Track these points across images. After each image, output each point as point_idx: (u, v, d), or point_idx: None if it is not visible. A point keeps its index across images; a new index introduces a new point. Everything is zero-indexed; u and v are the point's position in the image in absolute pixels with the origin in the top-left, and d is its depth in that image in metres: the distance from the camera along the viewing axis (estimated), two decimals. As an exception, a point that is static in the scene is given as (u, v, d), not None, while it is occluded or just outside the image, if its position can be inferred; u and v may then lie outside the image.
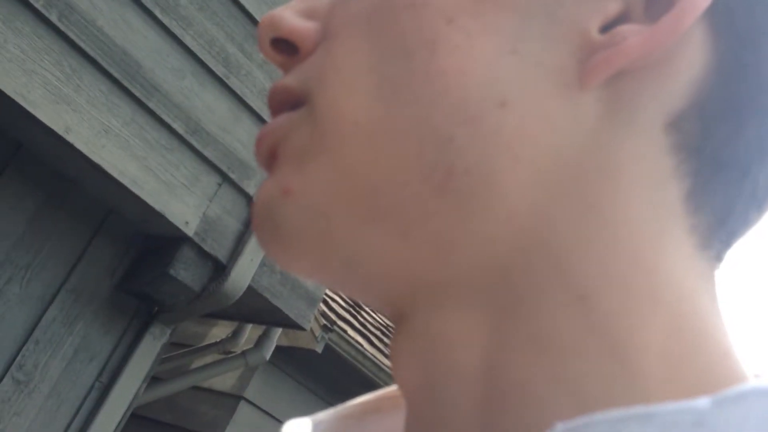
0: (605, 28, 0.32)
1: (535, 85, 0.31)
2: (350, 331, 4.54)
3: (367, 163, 0.33)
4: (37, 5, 2.02)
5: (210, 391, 4.47)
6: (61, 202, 2.38)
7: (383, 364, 4.60)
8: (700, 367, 0.29)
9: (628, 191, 0.31)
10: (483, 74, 0.32)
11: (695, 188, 0.32)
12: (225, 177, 2.45)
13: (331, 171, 0.33)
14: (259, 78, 2.53)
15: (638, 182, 0.31)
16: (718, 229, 0.33)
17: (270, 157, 0.37)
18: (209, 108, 2.41)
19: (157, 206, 2.28)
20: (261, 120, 2.53)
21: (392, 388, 0.42)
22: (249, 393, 4.41)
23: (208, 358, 3.89)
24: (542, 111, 0.31)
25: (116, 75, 2.18)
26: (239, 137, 2.48)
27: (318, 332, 4.20)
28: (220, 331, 4.31)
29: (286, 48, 0.38)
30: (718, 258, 0.34)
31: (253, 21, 2.51)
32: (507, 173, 0.31)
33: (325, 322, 4.24)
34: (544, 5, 0.32)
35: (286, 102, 0.36)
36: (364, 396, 0.44)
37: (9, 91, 1.97)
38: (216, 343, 3.87)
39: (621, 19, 0.32)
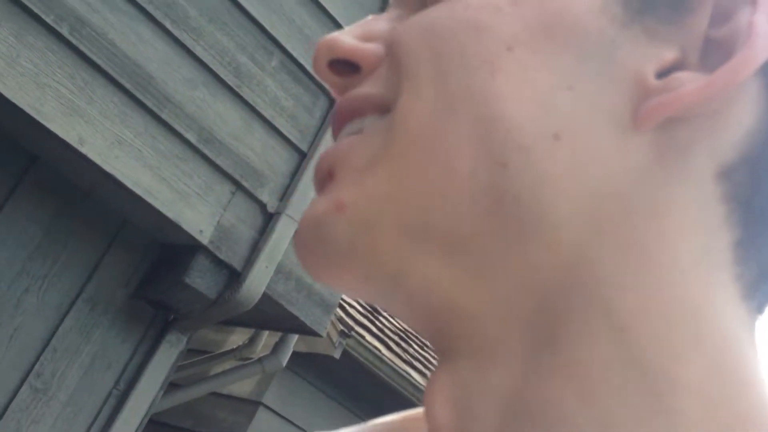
0: (661, 74, 0.33)
1: (589, 121, 0.32)
2: (368, 337, 4.54)
3: (422, 178, 0.33)
4: (48, 20, 2.06)
5: (229, 397, 4.49)
6: (77, 213, 2.41)
7: (401, 369, 4.60)
8: (737, 413, 0.29)
9: (676, 234, 0.32)
10: (539, 105, 0.32)
11: (744, 239, 0.33)
12: (238, 185, 2.47)
13: (387, 183, 0.34)
14: (270, 87, 2.55)
15: (686, 226, 0.32)
16: (762, 282, 0.34)
17: (327, 176, 0.37)
18: (221, 118, 2.43)
19: (172, 215, 2.30)
20: (273, 128, 2.55)
21: (419, 410, 0.43)
22: (268, 399, 4.42)
23: (226, 365, 3.91)
24: (594, 148, 0.32)
25: (128, 87, 2.21)
26: (252, 146, 2.50)
27: (336, 338, 4.21)
28: (238, 338, 4.33)
29: (343, 69, 0.38)
30: (760, 310, 0.34)
31: (263, 31, 2.53)
32: (555, 205, 0.32)
33: (342, 327, 4.25)
34: (601, 47, 0.33)
35: (364, 109, 0.37)
36: (390, 415, 0.45)
37: (23, 105, 2.01)
38: (233, 350, 3.89)
39: (677, 66, 0.33)
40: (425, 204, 0.33)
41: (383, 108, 0.36)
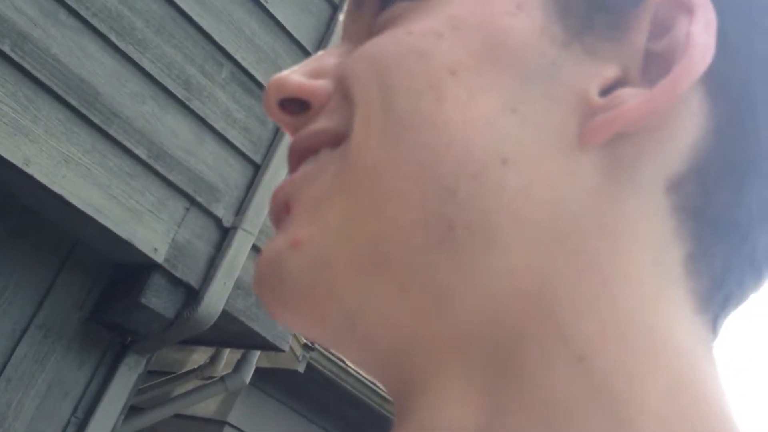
0: (604, 92, 0.33)
1: (535, 144, 0.32)
2: (332, 349, 4.51)
3: (373, 209, 0.33)
4: (-12, 37, 1.99)
5: (193, 418, 4.42)
6: (25, 236, 2.34)
7: (366, 379, 4.57)
8: (699, 429, 0.29)
9: (628, 251, 0.32)
10: (484, 130, 0.32)
11: (696, 251, 0.33)
12: (192, 201, 2.42)
13: (341, 217, 0.34)
14: (221, 98, 2.50)
15: (638, 242, 0.32)
16: (715, 293, 0.34)
17: (283, 210, 0.37)
18: (172, 132, 2.38)
19: (124, 234, 2.24)
20: (225, 141, 2.51)
21: None
22: (233, 417, 4.36)
23: (189, 385, 3.84)
24: (543, 169, 0.32)
25: (74, 103, 2.15)
26: (204, 160, 2.45)
27: (299, 352, 4.17)
28: (199, 356, 4.26)
29: (294, 108, 0.39)
30: (715, 322, 0.34)
31: (212, 42, 2.49)
32: (507, 230, 0.32)
33: (305, 341, 4.21)
34: (543, 68, 0.33)
35: (320, 143, 0.37)
36: None
37: (-37, 126, 1.94)
38: (194, 370, 3.82)
39: (620, 82, 0.33)
40: (379, 236, 0.33)
41: (337, 140, 0.36)
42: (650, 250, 0.32)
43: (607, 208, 0.32)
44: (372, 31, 0.39)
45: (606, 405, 0.29)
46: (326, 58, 0.40)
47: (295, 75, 0.38)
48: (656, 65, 0.33)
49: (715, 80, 0.34)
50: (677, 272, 0.32)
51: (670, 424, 0.29)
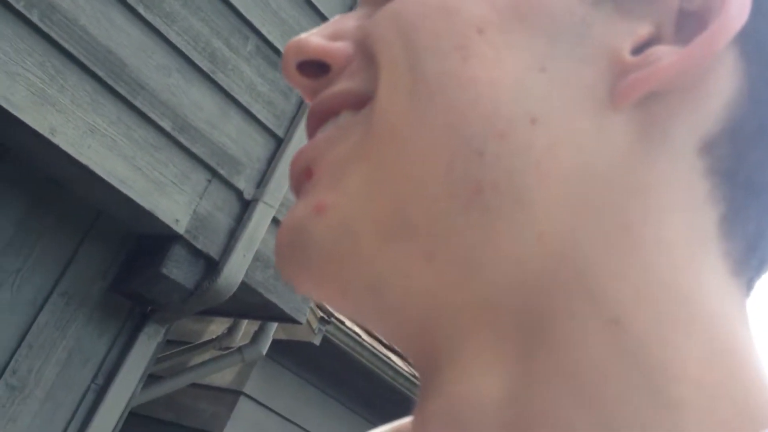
0: (637, 50, 0.32)
1: (564, 103, 0.31)
2: (348, 322, 4.53)
3: (399, 174, 0.32)
4: (18, 6, 1.99)
5: (209, 387, 4.46)
6: (50, 205, 2.36)
7: (382, 353, 4.60)
8: (737, 398, 0.28)
9: (661, 213, 0.31)
10: (512, 89, 0.32)
11: (729, 213, 0.32)
12: (214, 173, 2.43)
13: (365, 182, 0.33)
14: (246, 72, 2.50)
15: (671, 205, 0.31)
16: (750, 256, 0.33)
17: (304, 174, 0.36)
18: (196, 104, 2.38)
19: (147, 205, 2.26)
20: (249, 115, 2.51)
21: (407, 420, 0.41)
22: (248, 388, 4.40)
23: (206, 355, 3.88)
24: (572, 129, 0.31)
25: (101, 74, 2.16)
26: (228, 133, 2.46)
27: (315, 324, 4.19)
28: (217, 327, 4.30)
29: (313, 71, 0.38)
30: (749, 285, 0.34)
31: (239, 15, 2.48)
32: (536, 191, 0.31)
33: (322, 314, 4.23)
34: (572, 26, 0.33)
35: (343, 105, 0.36)
36: (379, 428, 0.43)
37: (-8, 95, 1.95)
38: (212, 340, 3.86)
39: (652, 41, 0.32)
40: (404, 201, 0.32)
41: (359, 103, 0.35)
42: (683, 213, 0.31)
43: (638, 170, 0.31)
44: None
45: (642, 371, 0.28)
46: (346, 20, 0.39)
47: (314, 37, 0.38)
48: (690, 23, 0.32)
49: (749, 40, 0.33)
50: (711, 235, 0.32)
51: (708, 392, 0.28)
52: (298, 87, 0.39)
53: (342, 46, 0.37)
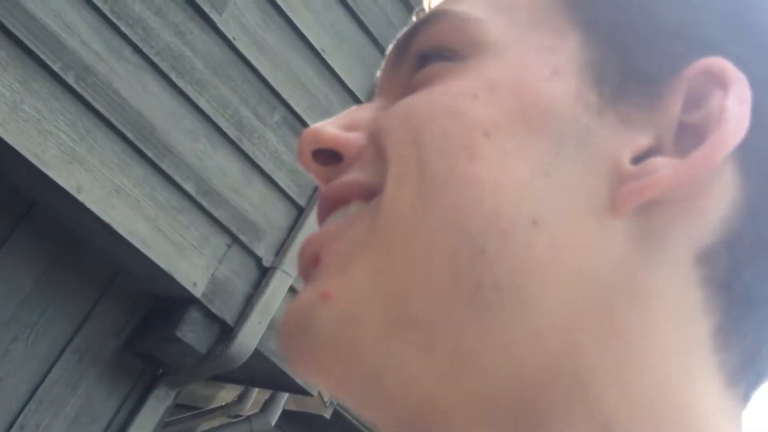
0: (637, 160, 0.33)
1: (566, 206, 0.32)
2: (351, 408, 4.48)
3: (404, 266, 0.33)
4: (54, 67, 2.06)
5: (216, 455, 4.39)
6: (70, 261, 2.38)
7: None
8: None
9: (657, 321, 0.31)
10: (516, 191, 0.32)
11: (724, 325, 0.33)
12: (235, 239, 2.45)
13: (371, 272, 0.34)
14: (271, 141, 2.55)
15: (667, 313, 0.32)
16: (746, 369, 0.33)
17: (312, 261, 0.37)
18: (221, 170, 2.42)
19: (166, 267, 2.27)
20: (272, 183, 2.54)
21: None
22: (255, 458, 4.32)
23: (215, 422, 3.83)
24: (573, 232, 0.32)
25: (130, 136, 2.20)
26: (250, 199, 2.49)
27: (327, 397, 4.14)
28: (227, 393, 4.25)
29: (326, 159, 0.39)
30: (745, 398, 0.34)
31: (267, 86, 2.54)
32: (536, 290, 0.31)
33: (333, 386, 4.18)
34: (576, 133, 0.33)
35: (351, 195, 0.37)
36: None
37: (23, 151, 2.00)
38: (222, 407, 3.82)
39: (652, 151, 0.33)
40: (407, 292, 0.33)
41: (368, 194, 0.36)
42: (678, 323, 0.32)
43: (636, 277, 0.32)
44: (408, 89, 0.40)
45: None
46: (361, 111, 0.40)
47: (330, 127, 0.39)
48: (689, 136, 0.33)
49: (748, 154, 0.34)
50: (706, 345, 0.32)
51: None
52: (312, 173, 0.40)
53: (355, 138, 0.38)
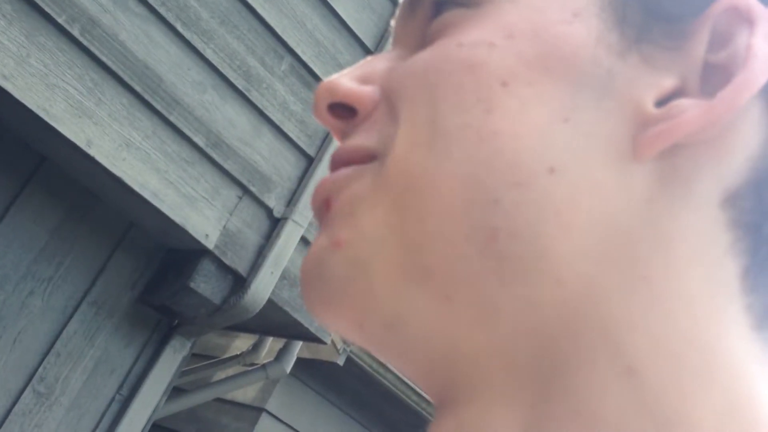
0: (661, 102, 0.32)
1: (586, 153, 0.32)
2: (371, 352, 4.52)
3: (414, 222, 0.33)
4: (60, 20, 2.04)
5: (232, 403, 4.47)
6: (83, 215, 2.39)
7: (405, 376, 4.57)
8: None
9: (682, 265, 0.31)
10: (535, 140, 0.32)
11: (752, 267, 0.32)
12: (245, 190, 2.45)
13: (380, 226, 0.33)
14: (279, 91, 2.53)
15: (693, 257, 0.31)
16: None
17: (323, 205, 0.37)
18: (230, 121, 2.41)
19: (178, 219, 2.28)
20: (281, 133, 2.53)
21: None
22: (271, 405, 4.40)
23: (230, 371, 3.89)
24: (593, 180, 0.31)
25: (138, 89, 2.19)
26: (260, 150, 2.48)
27: (340, 344, 4.19)
28: (242, 342, 4.31)
29: (342, 112, 0.39)
30: None
31: (274, 34, 2.52)
32: (555, 240, 0.31)
33: (346, 334, 4.22)
34: (597, 77, 0.33)
35: (355, 160, 0.37)
36: None
37: (32, 106, 1.99)
38: (237, 356, 3.87)
39: (677, 93, 0.33)
40: (421, 246, 0.32)
41: (374, 159, 0.36)
42: (704, 266, 0.31)
43: (660, 221, 0.31)
44: (424, 36, 0.39)
45: (657, 421, 0.28)
46: (377, 62, 0.40)
47: (345, 80, 0.39)
48: (715, 76, 0.33)
49: None
50: (733, 288, 0.32)
51: None
52: (329, 127, 0.40)
53: (369, 93, 0.38)
